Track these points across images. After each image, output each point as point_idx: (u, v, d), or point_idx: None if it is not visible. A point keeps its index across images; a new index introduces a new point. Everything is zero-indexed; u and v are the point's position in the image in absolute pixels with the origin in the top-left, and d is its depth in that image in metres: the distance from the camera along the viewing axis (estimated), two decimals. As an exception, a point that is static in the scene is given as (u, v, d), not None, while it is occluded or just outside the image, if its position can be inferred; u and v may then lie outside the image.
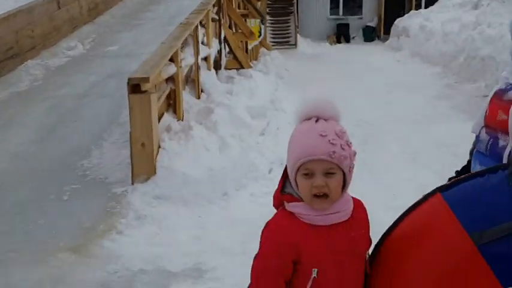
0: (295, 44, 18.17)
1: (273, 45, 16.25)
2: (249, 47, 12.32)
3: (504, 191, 1.61)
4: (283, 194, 1.69)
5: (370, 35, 20.43)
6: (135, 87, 4.84)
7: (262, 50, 14.22)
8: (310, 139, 1.61)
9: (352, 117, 7.91)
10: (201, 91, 7.33)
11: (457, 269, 1.55)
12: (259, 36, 13.58)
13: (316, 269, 1.60)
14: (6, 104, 7.00)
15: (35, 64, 8.54)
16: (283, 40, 18.34)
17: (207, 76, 7.51)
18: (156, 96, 5.07)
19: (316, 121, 1.64)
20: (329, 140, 1.60)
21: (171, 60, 5.99)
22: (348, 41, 20.37)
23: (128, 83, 4.83)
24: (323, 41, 19.44)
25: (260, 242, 1.69)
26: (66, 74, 8.40)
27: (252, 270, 1.69)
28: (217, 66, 8.43)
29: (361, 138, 7.00)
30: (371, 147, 6.69)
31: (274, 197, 1.73)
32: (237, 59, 8.90)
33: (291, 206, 1.65)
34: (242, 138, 6.02)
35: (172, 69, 5.94)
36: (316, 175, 1.59)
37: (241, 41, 10.96)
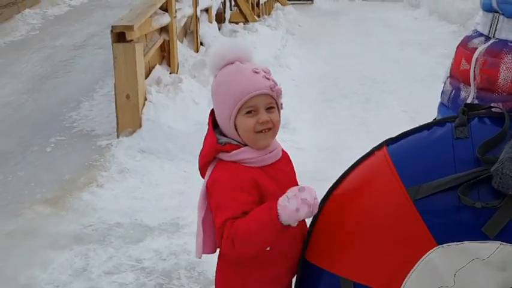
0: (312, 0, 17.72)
1: (288, 0, 15.85)
2: (261, 1, 12.01)
3: (447, 144, 1.51)
4: (222, 145, 1.61)
5: (390, -9, 19.80)
6: (120, 36, 4.65)
7: (277, 4, 13.87)
8: (246, 77, 1.58)
9: (358, 74, 7.69)
10: (201, 44, 7.11)
11: (393, 224, 1.53)
12: (272, -10, 13.22)
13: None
14: (-1, 53, 6.90)
15: (33, 13, 8.37)
16: (300, -5, 17.85)
17: (208, 29, 7.28)
18: (142, 46, 4.87)
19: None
20: (264, 76, 1.59)
21: (165, 10, 5.77)
22: (367, -3, 19.78)
23: (112, 31, 4.64)
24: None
25: (215, 196, 1.58)
26: (65, 24, 8.24)
27: (220, 228, 1.55)
28: (220, 19, 8.17)
29: (363, 96, 6.79)
30: (372, 105, 6.47)
31: (208, 154, 1.63)
32: (242, 11, 8.62)
33: (234, 155, 1.60)
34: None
35: (166, 19, 5.73)
36: (260, 111, 1.59)
37: (252, -6, 10.65)
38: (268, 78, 1.60)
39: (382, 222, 1.55)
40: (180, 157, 4.75)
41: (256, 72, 1.59)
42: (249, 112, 1.58)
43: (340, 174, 1.70)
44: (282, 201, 1.48)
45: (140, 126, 4.83)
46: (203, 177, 1.68)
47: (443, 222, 1.47)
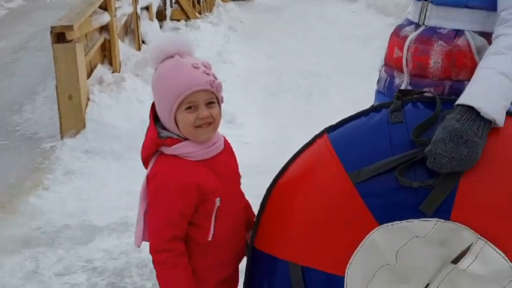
0: (253, -5, 17.78)
1: (229, -3, 15.86)
2: (202, -2, 11.98)
3: (384, 128, 1.58)
4: (162, 139, 1.62)
5: (329, -13, 20.14)
6: (59, 36, 4.58)
7: (218, 1, 13.86)
8: (185, 72, 1.59)
9: (300, 69, 7.81)
10: (143, 42, 7.06)
11: (337, 207, 1.58)
12: (213, -13, 13.20)
13: (219, 198, 1.64)
14: None
15: (-32, 17, 8.09)
16: (241, -9, 17.89)
17: (149, 27, 7.24)
18: (83, 46, 4.81)
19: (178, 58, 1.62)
20: (204, 71, 1.60)
21: (105, 8, 5.71)
22: (307, -7, 20.04)
23: (51, 31, 4.56)
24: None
25: (152, 195, 1.60)
26: (4, 27, 8.02)
27: (153, 230, 1.61)
28: (161, 16, 8.13)
29: (307, 90, 6.92)
30: (315, 98, 6.61)
31: (149, 147, 1.64)
32: (183, 9, 8.59)
33: (175, 148, 1.61)
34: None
35: (105, 18, 5.66)
36: (200, 107, 1.60)
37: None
38: (208, 74, 1.61)
39: (326, 206, 1.59)
40: (126, 156, 4.72)
41: (196, 68, 1.60)
42: (189, 108, 1.59)
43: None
44: None
45: (84, 126, 4.77)
46: (146, 169, 1.71)
47: (383, 203, 1.52)
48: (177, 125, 1.62)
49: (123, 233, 3.73)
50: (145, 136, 1.68)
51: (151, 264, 3.24)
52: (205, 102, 1.61)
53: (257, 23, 12.40)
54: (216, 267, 1.70)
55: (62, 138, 4.81)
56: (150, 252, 1.65)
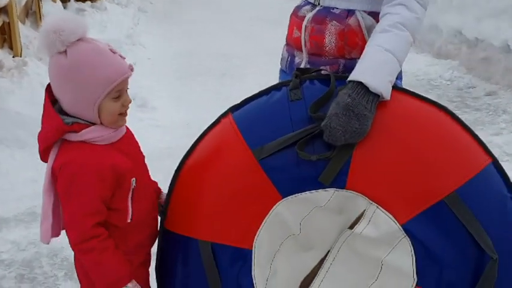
0: (163, -22, 17.47)
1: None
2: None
3: (284, 106, 1.63)
4: (69, 125, 1.55)
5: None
6: (-49, 18, 4.28)
7: (126, -17, 13.45)
8: (109, 58, 1.53)
9: (212, 51, 7.80)
10: (46, 25, 6.75)
11: (242, 184, 1.62)
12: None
13: (134, 178, 1.62)
14: None
15: None
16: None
17: (52, 8, 6.93)
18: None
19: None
20: (119, 55, 1.56)
21: (2, -11, 5.39)
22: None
23: None
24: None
25: (66, 186, 1.53)
26: None
27: (72, 222, 1.54)
28: (65, -3, 7.81)
29: (220, 72, 6.92)
30: (228, 80, 6.63)
31: (51, 136, 1.55)
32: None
33: (83, 134, 1.55)
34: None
35: (3, -1, 5.36)
36: (123, 94, 1.59)
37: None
38: (123, 57, 1.58)
39: (233, 183, 1.63)
40: (31, 144, 4.50)
41: (114, 52, 1.56)
42: (116, 97, 1.57)
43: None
44: None
45: (-16, 114, 4.52)
46: (44, 161, 1.63)
47: (286, 177, 1.59)
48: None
49: (30, 223, 3.61)
50: (43, 124, 1.58)
51: (63, 253, 3.19)
52: (126, 88, 1.60)
53: (168, 5, 12.20)
54: (136, 250, 1.69)
55: (-41, 127, 4.52)
56: (72, 246, 1.58)
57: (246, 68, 7.13)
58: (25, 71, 4.91)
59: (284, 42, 2.00)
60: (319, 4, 1.83)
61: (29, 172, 4.20)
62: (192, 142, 1.78)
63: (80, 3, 8.12)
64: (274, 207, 1.59)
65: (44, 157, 1.62)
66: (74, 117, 1.57)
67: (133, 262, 1.68)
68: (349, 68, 1.70)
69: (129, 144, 1.67)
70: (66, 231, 1.60)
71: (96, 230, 1.56)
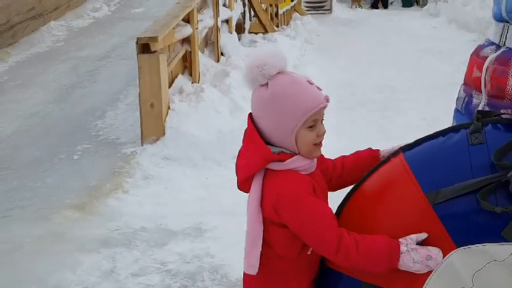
0: (330, 9, 17.80)
1: (307, 10, 15.96)
2: (280, 12, 12.12)
3: (463, 150, 1.56)
4: (276, 154, 1.61)
5: (408, 0, 19.86)
6: (144, 47, 4.80)
7: (295, 14, 13.98)
8: (307, 89, 1.59)
9: (376, 82, 7.76)
10: (221, 54, 7.24)
11: (413, 227, 1.55)
12: (291, 1, 13.33)
13: None
14: (26, 64, 7.08)
15: (58, 25, 8.58)
16: (318, 5, 17.95)
17: (228, 39, 7.41)
18: (165, 57, 5.02)
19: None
20: (317, 87, 1.62)
21: (188, 21, 5.91)
22: (385, 6, 19.84)
23: (137, 42, 4.79)
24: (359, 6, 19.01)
25: (293, 209, 1.57)
26: (89, 36, 8.43)
27: (319, 236, 1.57)
28: (240, 29, 8.30)
29: (382, 104, 6.85)
30: (390, 113, 6.52)
31: (258, 164, 1.60)
32: (261, 22, 8.74)
33: (289, 163, 1.60)
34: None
35: (187, 30, 5.87)
36: (318, 123, 1.61)
37: (271, 5, 10.77)
38: (320, 89, 1.61)
39: (403, 226, 1.57)
40: (201, 164, 4.87)
41: (311, 83, 1.60)
42: (311, 125, 1.59)
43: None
44: (406, 260, 1.50)
45: (164, 134, 4.96)
46: (242, 190, 1.66)
47: (462, 225, 1.49)
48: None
49: (196, 238, 3.84)
50: (247, 153, 1.63)
51: (223, 270, 3.36)
52: (321, 118, 1.62)
53: (333, 36, 12.40)
54: (310, 264, 1.70)
55: (142, 144, 5.00)
56: (333, 257, 1.56)
57: (410, 101, 6.97)
58: (201, 97, 5.30)
59: (455, 78, 1.93)
60: (504, 45, 1.76)
61: (198, 190, 4.50)
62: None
63: (252, 35, 8.58)
64: (447, 256, 1.50)
65: (243, 186, 1.65)
66: (280, 147, 1.63)
67: (309, 277, 1.68)
68: None
69: (319, 177, 1.69)
70: (318, 251, 1.61)
71: (339, 230, 1.57)
